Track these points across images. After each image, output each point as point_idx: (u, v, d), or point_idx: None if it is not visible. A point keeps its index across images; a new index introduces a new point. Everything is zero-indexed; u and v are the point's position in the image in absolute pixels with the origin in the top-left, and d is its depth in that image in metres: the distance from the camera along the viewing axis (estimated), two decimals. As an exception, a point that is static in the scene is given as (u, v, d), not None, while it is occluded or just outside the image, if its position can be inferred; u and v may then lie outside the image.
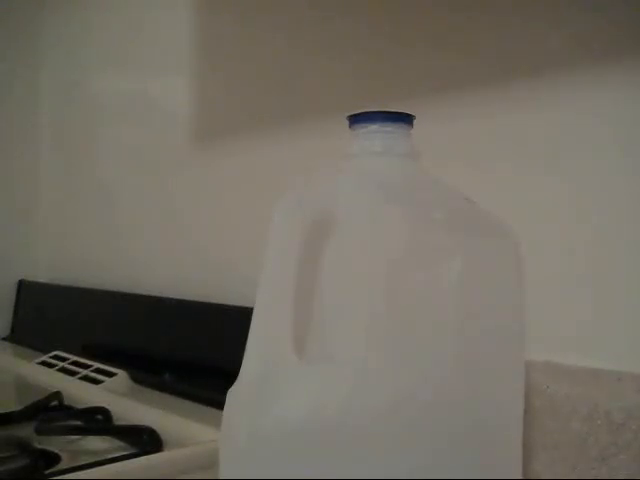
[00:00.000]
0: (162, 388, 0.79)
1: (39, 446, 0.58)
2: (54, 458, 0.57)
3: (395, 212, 0.37)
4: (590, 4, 0.50)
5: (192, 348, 0.81)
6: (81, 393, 0.77)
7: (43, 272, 1.27)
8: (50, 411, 0.71)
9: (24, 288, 1.25)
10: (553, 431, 0.48)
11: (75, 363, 0.89)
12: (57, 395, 0.74)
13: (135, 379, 0.83)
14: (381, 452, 0.34)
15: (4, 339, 1.20)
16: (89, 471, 0.52)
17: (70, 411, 0.71)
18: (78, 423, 0.67)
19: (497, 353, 0.38)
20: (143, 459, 0.55)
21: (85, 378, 0.83)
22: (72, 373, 0.86)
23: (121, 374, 0.82)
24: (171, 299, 0.87)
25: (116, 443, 0.61)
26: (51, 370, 0.89)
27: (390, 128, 0.41)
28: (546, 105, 0.53)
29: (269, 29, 0.79)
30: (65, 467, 0.54)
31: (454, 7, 0.59)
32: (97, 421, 0.68)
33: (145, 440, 0.60)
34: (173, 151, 0.96)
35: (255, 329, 0.38)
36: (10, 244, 1.25)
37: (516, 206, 0.52)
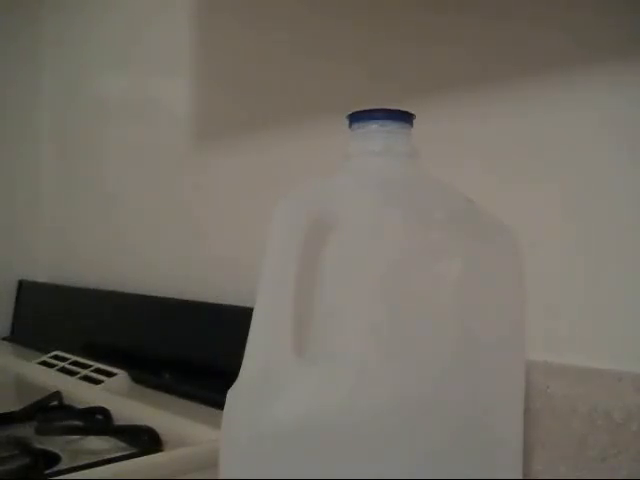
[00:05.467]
0: (162, 388, 0.79)
1: (39, 446, 0.58)
2: (54, 458, 0.57)
3: (395, 212, 0.37)
4: (591, 4, 0.50)
5: (192, 348, 0.81)
6: (81, 393, 0.77)
7: (43, 272, 1.27)
8: (50, 411, 0.71)
9: (24, 288, 1.25)
10: (553, 431, 0.48)
11: (75, 363, 0.89)
12: (57, 395, 0.74)
13: (135, 379, 0.83)
14: (381, 452, 0.34)
15: (4, 339, 1.20)
16: (89, 471, 0.52)
17: (70, 411, 0.71)
18: (78, 423, 0.67)
19: (497, 353, 0.38)
20: (143, 459, 0.55)
21: (85, 378, 0.83)
22: (72, 373, 0.86)
23: (121, 374, 0.82)
24: (171, 299, 0.87)
25: (116, 443, 0.61)
26: (51, 370, 0.89)
27: (390, 127, 0.41)
28: (546, 105, 0.53)
29: (269, 29, 0.79)
30: (65, 467, 0.54)
31: (454, 7, 0.59)
32: (97, 421, 0.68)
33: (145, 440, 0.60)
34: (173, 151, 0.96)
35: (255, 329, 0.38)
36: (10, 244, 1.25)
37: (516, 206, 0.52)
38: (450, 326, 0.36)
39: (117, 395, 0.76)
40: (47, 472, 0.53)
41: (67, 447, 0.60)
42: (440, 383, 0.35)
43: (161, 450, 0.58)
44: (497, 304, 0.38)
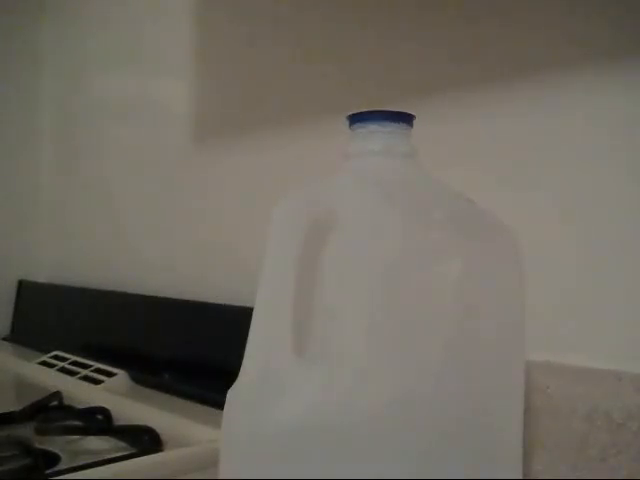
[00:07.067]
0: (162, 388, 0.79)
1: (39, 446, 0.58)
2: (54, 458, 0.57)
3: (395, 212, 0.37)
4: (590, 4, 0.50)
5: (192, 348, 0.81)
6: (81, 393, 0.77)
7: (43, 272, 1.27)
8: (50, 411, 0.71)
9: (24, 288, 1.25)
10: (553, 431, 0.48)
11: (75, 363, 0.89)
12: (57, 395, 0.74)
13: (135, 379, 0.83)
14: (381, 452, 0.34)
15: (4, 339, 1.20)
16: (89, 471, 0.52)
17: (70, 411, 0.71)
18: (78, 423, 0.67)
19: (497, 353, 0.38)
20: (143, 459, 0.55)
21: (85, 378, 0.83)
22: (72, 373, 0.86)
23: (121, 374, 0.82)
24: (171, 299, 0.87)
25: (116, 443, 0.60)
26: (51, 370, 0.89)
27: (390, 128, 0.41)
28: (546, 105, 0.53)
29: (268, 29, 0.79)
30: (65, 467, 0.54)
31: (454, 7, 0.59)
32: (97, 421, 0.68)
33: (145, 440, 0.60)
34: (173, 151, 0.96)
35: (255, 329, 0.38)
36: (10, 244, 1.25)
37: (516, 206, 0.52)
38: (449, 326, 0.36)
39: (117, 395, 0.76)
40: (47, 472, 0.53)
41: (67, 447, 0.60)
42: (440, 383, 0.35)
43: (161, 450, 0.58)
44: (497, 304, 0.38)
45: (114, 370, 0.83)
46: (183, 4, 0.93)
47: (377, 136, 0.41)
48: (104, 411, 0.68)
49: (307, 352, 0.35)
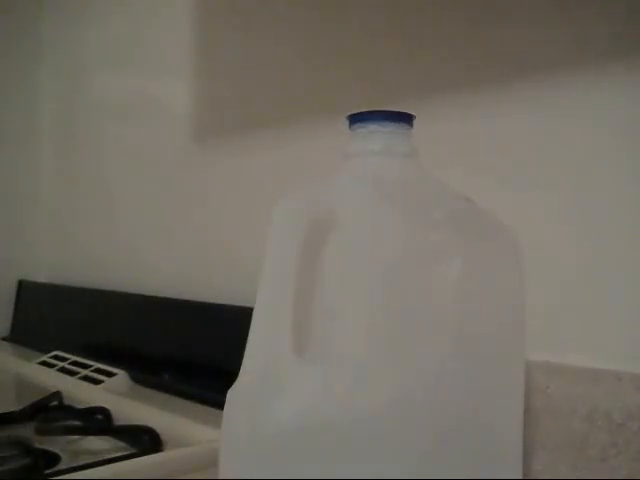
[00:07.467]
0: (162, 388, 0.79)
1: (39, 446, 0.58)
2: (54, 458, 0.57)
3: (395, 212, 0.37)
4: (591, 4, 0.50)
5: (192, 348, 0.81)
6: (81, 393, 0.77)
7: (43, 272, 1.27)
8: (50, 411, 0.71)
9: (24, 288, 1.25)
10: (553, 431, 0.48)
11: (75, 363, 0.89)
12: (57, 395, 0.74)
13: (135, 379, 0.83)
14: (381, 452, 0.34)
15: (4, 339, 1.20)
16: (89, 471, 0.52)
17: (70, 411, 0.71)
18: (78, 423, 0.67)
19: (497, 353, 0.38)
20: (143, 459, 0.55)
21: (85, 378, 0.83)
22: (72, 373, 0.86)
23: (121, 374, 0.82)
24: (171, 299, 0.87)
25: (116, 443, 0.61)
26: (51, 370, 0.89)
27: (390, 128, 0.41)
28: (546, 105, 0.53)
29: (269, 29, 0.79)
30: (65, 467, 0.54)
31: (454, 7, 0.59)
32: (97, 421, 0.68)
33: (145, 440, 0.60)
34: (173, 151, 0.96)
35: (255, 329, 0.38)
36: (10, 244, 1.25)
37: (516, 206, 0.52)
38: (450, 326, 0.36)
39: (117, 395, 0.76)
40: (47, 472, 0.53)
41: (67, 447, 0.60)
42: (440, 383, 0.35)
43: (161, 450, 0.58)
44: (497, 304, 0.38)
45: (114, 370, 0.83)
46: (183, 4, 0.93)
47: (377, 136, 0.41)
48: (104, 411, 0.68)
49: (307, 352, 0.35)
